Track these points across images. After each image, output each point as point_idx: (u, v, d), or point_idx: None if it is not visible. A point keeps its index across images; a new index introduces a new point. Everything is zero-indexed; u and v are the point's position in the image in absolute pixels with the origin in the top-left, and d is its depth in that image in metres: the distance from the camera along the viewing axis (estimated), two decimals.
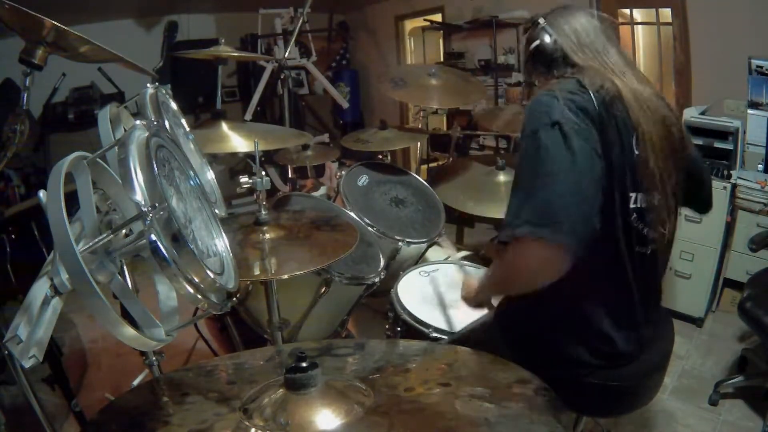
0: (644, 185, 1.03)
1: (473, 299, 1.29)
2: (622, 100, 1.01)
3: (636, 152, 1.02)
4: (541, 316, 1.12)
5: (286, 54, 3.14)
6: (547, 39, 1.12)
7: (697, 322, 2.54)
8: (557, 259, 0.88)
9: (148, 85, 1.06)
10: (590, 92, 0.99)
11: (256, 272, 1.28)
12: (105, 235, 0.67)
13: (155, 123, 0.80)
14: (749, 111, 2.48)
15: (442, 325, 1.43)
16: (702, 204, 1.30)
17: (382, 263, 1.81)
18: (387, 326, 1.59)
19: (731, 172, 2.43)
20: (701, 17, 2.82)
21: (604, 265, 1.05)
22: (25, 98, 1.12)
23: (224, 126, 1.82)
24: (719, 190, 2.39)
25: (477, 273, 1.22)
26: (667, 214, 1.07)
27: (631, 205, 1.03)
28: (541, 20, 1.15)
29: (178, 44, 4.36)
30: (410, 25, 5.04)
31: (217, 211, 1.08)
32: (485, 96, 2.54)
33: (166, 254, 0.60)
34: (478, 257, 2.10)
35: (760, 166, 2.47)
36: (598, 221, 0.91)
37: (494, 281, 1.14)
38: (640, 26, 3.32)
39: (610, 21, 1.16)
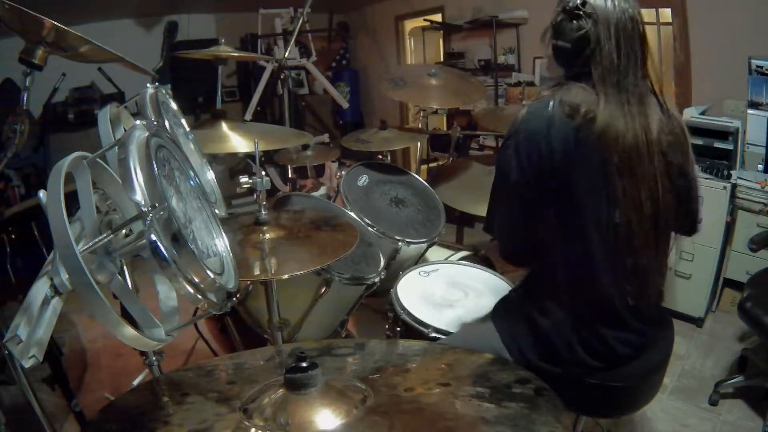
0: (623, 201, 1.02)
1: None
2: (594, 125, 0.98)
3: (616, 220, 1.02)
4: (540, 319, 1.12)
5: (286, 54, 3.13)
6: (592, 35, 0.98)
7: (697, 322, 2.54)
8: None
9: (148, 85, 1.06)
10: (565, 112, 0.99)
11: (256, 272, 1.28)
12: (105, 235, 0.67)
13: (155, 123, 0.80)
14: (749, 111, 2.48)
15: (442, 325, 1.43)
16: (686, 224, 1.21)
17: (382, 263, 1.81)
18: (387, 326, 1.59)
19: (731, 172, 2.43)
20: (701, 17, 2.82)
21: (599, 269, 1.06)
22: (25, 98, 1.12)
23: (224, 126, 1.82)
24: (719, 190, 2.40)
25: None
26: (652, 223, 1.06)
27: (617, 220, 1.02)
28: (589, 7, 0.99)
29: (178, 44, 4.36)
30: (410, 25, 5.04)
31: (217, 211, 1.08)
32: (485, 96, 2.54)
33: (166, 254, 0.60)
34: (478, 257, 2.10)
35: (760, 166, 2.47)
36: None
37: None
38: None
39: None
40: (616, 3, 0.99)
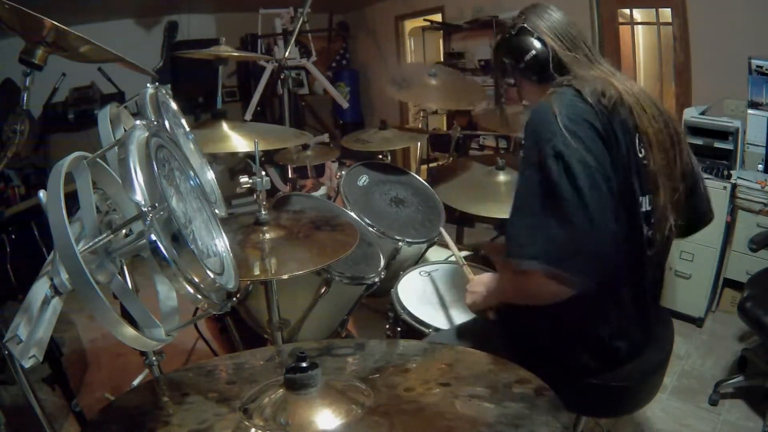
0: (649, 187, 1.03)
1: (478, 306, 1.24)
2: (623, 104, 1.00)
3: (640, 154, 1.02)
4: (541, 318, 1.12)
5: (286, 54, 3.13)
6: (539, 45, 1.09)
7: (697, 322, 2.54)
8: (566, 292, 0.91)
9: (148, 85, 1.06)
10: (591, 103, 0.97)
11: (256, 272, 1.28)
12: (105, 235, 0.67)
13: (155, 123, 0.80)
14: (749, 111, 2.48)
15: (442, 325, 1.43)
16: (700, 216, 1.25)
17: (382, 263, 1.81)
18: (387, 326, 1.59)
19: (731, 172, 2.43)
20: (701, 17, 2.82)
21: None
22: (25, 98, 1.11)
23: (224, 126, 1.82)
24: (719, 190, 2.39)
25: (480, 279, 1.20)
26: (670, 214, 1.07)
27: (642, 209, 1.03)
28: (524, 24, 1.11)
29: (178, 44, 4.37)
30: (410, 25, 5.04)
31: (217, 211, 1.08)
32: (485, 98, 2.55)
33: (166, 254, 0.60)
34: (478, 257, 2.10)
35: (760, 166, 2.47)
36: (616, 249, 0.90)
37: (502, 297, 1.15)
38: (640, 26, 3.32)
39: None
40: (544, 16, 1.12)
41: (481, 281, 1.21)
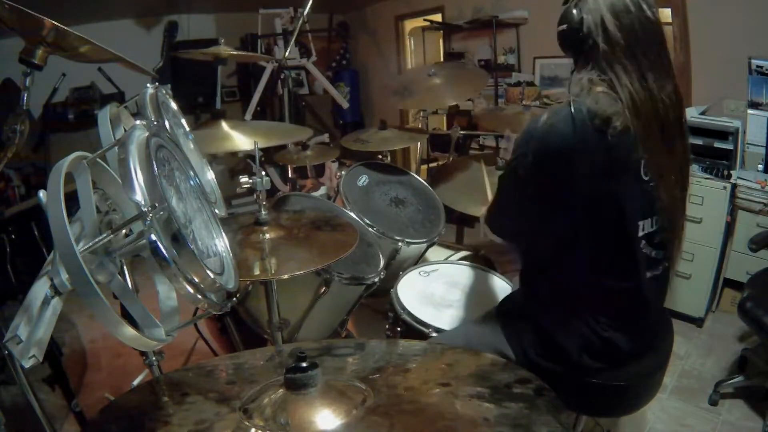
0: (655, 209, 1.03)
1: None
2: (628, 135, 0.96)
3: (645, 178, 1.01)
4: (543, 319, 1.12)
5: (286, 54, 3.13)
6: (576, 23, 1.02)
7: (697, 322, 2.54)
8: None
9: (148, 85, 1.06)
10: (589, 124, 0.95)
11: (256, 272, 1.28)
12: (105, 235, 0.67)
13: (155, 123, 0.80)
14: (749, 111, 2.48)
15: (442, 325, 1.43)
16: None
17: (382, 263, 1.81)
18: (387, 326, 1.59)
19: (731, 172, 2.43)
20: (701, 17, 2.82)
21: (611, 284, 1.06)
22: (25, 98, 1.11)
23: (224, 126, 1.82)
24: (719, 190, 2.40)
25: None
26: (676, 232, 1.08)
27: (640, 233, 1.03)
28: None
29: (178, 44, 4.36)
30: (410, 25, 5.04)
31: (217, 211, 1.08)
32: (487, 82, 2.56)
33: (166, 254, 0.60)
34: (478, 257, 2.10)
35: (760, 166, 2.47)
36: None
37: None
38: None
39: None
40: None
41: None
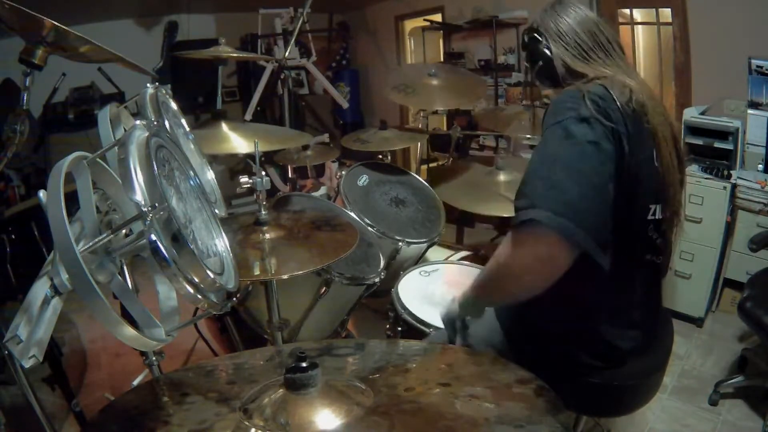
0: (663, 196, 1.03)
1: (456, 309, 1.14)
2: (646, 111, 0.97)
3: (656, 164, 1.01)
4: (542, 317, 1.12)
5: (286, 54, 3.14)
6: (547, 54, 1.07)
7: (697, 322, 2.54)
8: (562, 256, 0.83)
9: (148, 85, 1.06)
10: (618, 103, 0.94)
11: (256, 272, 1.28)
12: (105, 235, 0.67)
13: (155, 123, 0.80)
14: (749, 111, 2.48)
15: (443, 325, 1.43)
16: None
17: (382, 263, 1.81)
18: (387, 326, 1.59)
19: (731, 172, 2.43)
20: (701, 17, 2.82)
21: (612, 271, 1.05)
22: (25, 98, 1.11)
23: (224, 126, 1.82)
24: (719, 190, 2.40)
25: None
26: (677, 222, 1.08)
27: (650, 216, 1.03)
28: (537, 27, 1.09)
29: (178, 44, 4.36)
30: (410, 25, 5.04)
31: (217, 211, 1.07)
32: (485, 94, 2.55)
33: (166, 254, 0.60)
34: (478, 257, 2.10)
35: (760, 166, 2.47)
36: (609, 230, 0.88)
37: (482, 278, 1.04)
38: (640, 26, 3.32)
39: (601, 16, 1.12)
40: (558, 18, 1.07)
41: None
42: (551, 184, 0.85)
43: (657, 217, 1.04)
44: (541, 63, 1.09)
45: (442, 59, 4.68)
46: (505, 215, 1.96)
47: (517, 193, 0.90)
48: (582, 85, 0.98)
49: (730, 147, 2.46)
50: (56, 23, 1.00)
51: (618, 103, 0.94)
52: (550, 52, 1.06)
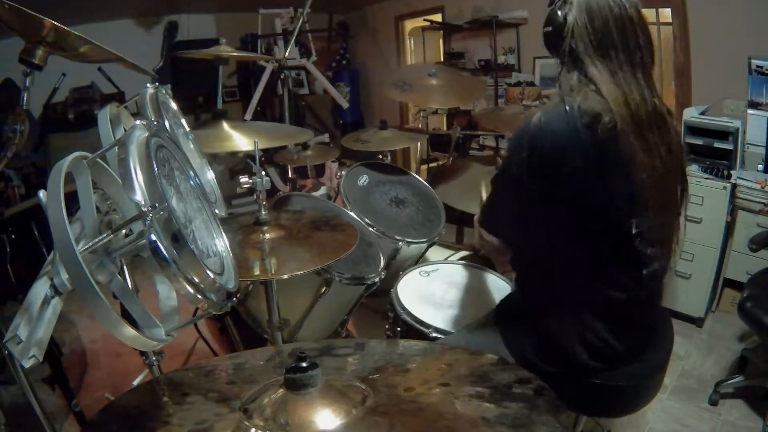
0: (646, 209, 1.03)
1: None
2: (617, 131, 0.96)
3: (636, 176, 1.00)
4: (540, 320, 1.12)
5: (286, 54, 3.14)
6: (558, 22, 1.02)
7: (697, 322, 2.54)
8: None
9: (148, 85, 1.06)
10: (584, 123, 0.95)
11: (256, 272, 1.28)
12: (105, 235, 0.67)
13: (155, 123, 0.80)
14: (749, 111, 2.48)
15: (442, 325, 1.43)
16: None
17: (382, 263, 1.81)
18: (387, 326, 1.59)
19: (731, 172, 2.43)
20: (701, 17, 2.82)
21: (611, 273, 1.06)
22: (25, 98, 1.11)
23: (224, 126, 1.82)
24: (719, 190, 2.40)
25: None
26: (672, 230, 1.09)
27: (634, 231, 1.02)
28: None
29: (178, 44, 4.37)
30: (410, 25, 5.04)
31: (217, 211, 1.08)
32: (485, 94, 2.55)
33: (166, 254, 0.60)
34: (477, 257, 2.10)
35: (760, 166, 2.47)
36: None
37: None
38: None
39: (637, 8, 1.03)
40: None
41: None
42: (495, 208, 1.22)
43: (642, 229, 1.03)
44: (550, 29, 1.06)
45: (442, 59, 4.69)
46: None
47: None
48: (543, 112, 1.00)
49: (730, 147, 2.46)
50: (56, 23, 1.00)
51: (580, 122, 0.96)
52: (566, 23, 1.02)
